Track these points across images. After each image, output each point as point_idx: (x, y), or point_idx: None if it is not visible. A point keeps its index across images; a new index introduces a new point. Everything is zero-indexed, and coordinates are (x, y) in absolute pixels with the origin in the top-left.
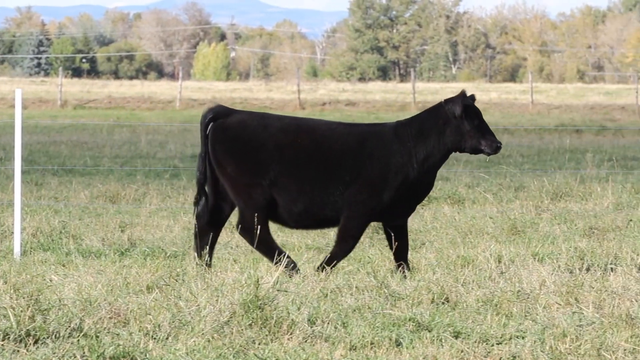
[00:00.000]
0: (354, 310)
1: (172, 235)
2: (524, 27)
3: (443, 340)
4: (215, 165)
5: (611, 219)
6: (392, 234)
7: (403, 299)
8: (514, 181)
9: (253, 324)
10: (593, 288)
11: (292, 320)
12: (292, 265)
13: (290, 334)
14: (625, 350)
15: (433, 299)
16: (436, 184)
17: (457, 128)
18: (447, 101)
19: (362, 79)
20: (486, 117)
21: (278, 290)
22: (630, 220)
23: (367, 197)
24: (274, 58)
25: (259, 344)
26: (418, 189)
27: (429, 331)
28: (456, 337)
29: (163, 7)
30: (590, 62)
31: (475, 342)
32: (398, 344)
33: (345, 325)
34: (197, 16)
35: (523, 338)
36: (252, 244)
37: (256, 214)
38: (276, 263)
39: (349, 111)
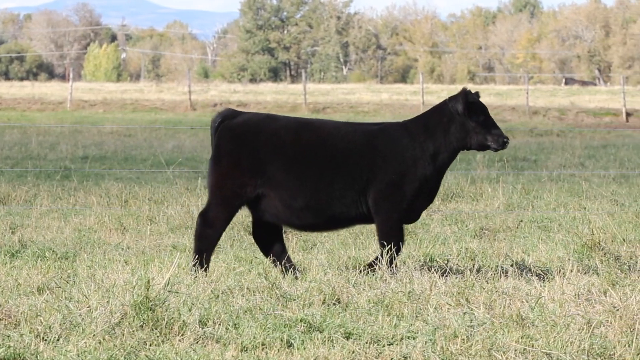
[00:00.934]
0: (245, 312)
1: (63, 237)
2: (415, 28)
3: (334, 341)
4: (214, 159)
5: (502, 219)
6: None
7: (294, 300)
8: None
9: (144, 325)
10: (484, 289)
11: (184, 321)
12: (196, 270)
13: (182, 335)
14: (516, 350)
15: (324, 299)
16: None
17: (462, 125)
18: (451, 99)
19: (253, 80)
20: (377, 118)
21: (169, 292)
22: (521, 220)
23: (391, 195)
24: (165, 59)
25: (150, 345)
26: (431, 185)
27: (321, 332)
28: (347, 338)
29: (53, 8)
30: (480, 63)
31: (367, 342)
32: (289, 344)
33: (237, 326)
34: (87, 17)
35: (414, 339)
36: (198, 235)
37: (224, 215)
38: (194, 265)
39: None
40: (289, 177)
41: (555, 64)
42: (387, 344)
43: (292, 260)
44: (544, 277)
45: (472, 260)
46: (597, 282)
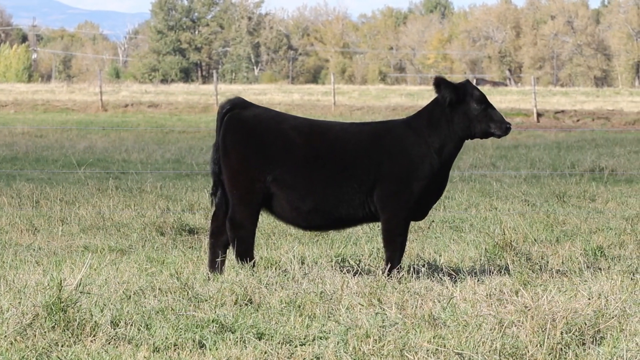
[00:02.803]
0: (157, 312)
1: None
2: (326, 29)
3: (246, 342)
4: (222, 154)
5: None
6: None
7: (206, 300)
8: None
9: (56, 326)
10: (396, 289)
11: (95, 322)
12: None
13: (94, 336)
14: (427, 350)
15: (236, 300)
16: None
17: (465, 114)
18: (444, 89)
19: (164, 80)
20: None
21: (81, 293)
22: (432, 221)
23: (398, 193)
24: (76, 60)
25: (62, 346)
26: (439, 181)
27: (233, 332)
28: (260, 339)
29: None
30: (392, 64)
31: (279, 343)
32: (202, 345)
33: (149, 327)
34: None
35: (326, 339)
36: (232, 240)
37: (248, 212)
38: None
39: (152, 113)
40: (297, 179)
41: (466, 64)
42: (300, 344)
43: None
44: (455, 278)
45: (384, 260)
46: (509, 282)
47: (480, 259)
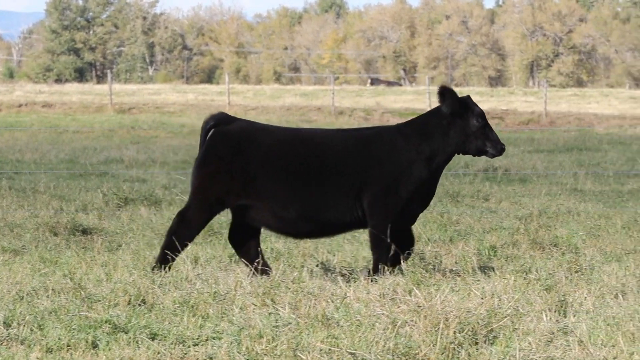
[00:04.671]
0: (50, 313)
1: None
2: (221, 29)
3: (140, 342)
4: (200, 164)
5: None
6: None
7: (99, 301)
8: None
9: None
10: (289, 289)
11: None
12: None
13: None
14: (321, 350)
15: (130, 300)
16: (132, 185)
17: (462, 129)
18: (447, 102)
19: (58, 80)
20: (183, 119)
21: None
22: None
23: (385, 199)
24: None
25: None
26: (425, 189)
27: (126, 333)
28: (153, 339)
29: None
30: (286, 64)
31: (172, 343)
32: (95, 346)
33: (42, 327)
34: None
35: (220, 339)
36: (172, 234)
37: (202, 219)
38: (158, 266)
39: (46, 113)
40: (281, 188)
41: (361, 64)
42: (193, 345)
43: (267, 264)
44: (349, 277)
45: (277, 260)
46: (402, 281)
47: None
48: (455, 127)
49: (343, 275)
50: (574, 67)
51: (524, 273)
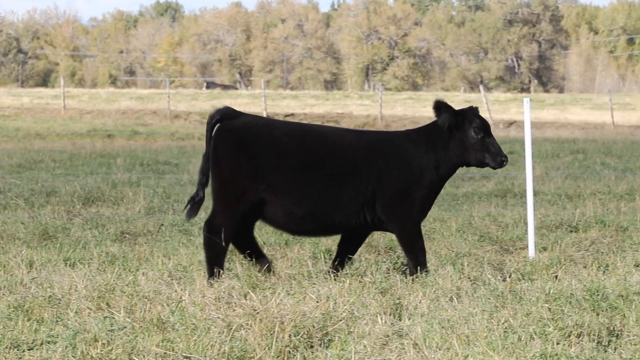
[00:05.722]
0: None
1: None
2: (56, 32)
3: None
4: (213, 164)
5: (143, 223)
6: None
7: None
8: (45, 186)
9: None
10: (125, 292)
11: None
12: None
13: None
14: (156, 354)
15: None
16: None
17: (461, 141)
18: (444, 115)
19: None
20: (18, 122)
21: None
22: (162, 224)
23: (403, 203)
24: None
25: None
26: (434, 195)
27: None
28: None
29: None
30: (122, 67)
31: (7, 348)
32: None
33: None
34: None
35: (54, 343)
36: (206, 245)
37: (230, 221)
38: (210, 283)
39: None
40: (292, 185)
41: (197, 67)
42: (27, 349)
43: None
44: (184, 281)
45: (112, 264)
46: (238, 285)
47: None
48: (454, 139)
49: (178, 279)
50: (409, 71)
51: (360, 276)
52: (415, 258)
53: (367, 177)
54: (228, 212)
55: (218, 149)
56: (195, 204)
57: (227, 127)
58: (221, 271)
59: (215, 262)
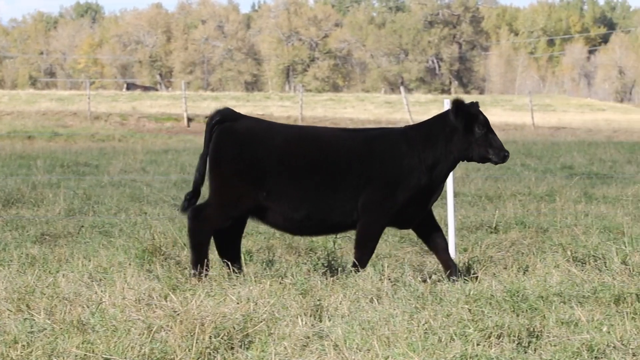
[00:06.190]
0: None
1: None
2: None
3: None
4: (213, 165)
5: (63, 225)
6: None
7: None
8: None
9: None
10: (45, 294)
11: None
12: (198, 275)
13: None
14: (76, 356)
15: None
16: None
17: (465, 136)
18: (453, 110)
19: None
20: None
21: None
22: (82, 226)
23: (381, 200)
24: None
25: None
26: (427, 194)
27: None
28: None
29: None
30: (42, 68)
31: None
32: None
33: None
34: None
35: None
36: (190, 233)
37: (222, 218)
38: (193, 268)
39: None
40: (292, 189)
41: (117, 69)
42: None
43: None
44: (105, 283)
45: (32, 265)
46: (158, 287)
47: (130, 264)
48: (458, 134)
49: (99, 280)
50: (330, 72)
51: (280, 278)
52: (362, 254)
53: (360, 173)
54: (221, 211)
55: (220, 151)
56: (190, 203)
57: (230, 130)
58: (206, 260)
59: (198, 250)
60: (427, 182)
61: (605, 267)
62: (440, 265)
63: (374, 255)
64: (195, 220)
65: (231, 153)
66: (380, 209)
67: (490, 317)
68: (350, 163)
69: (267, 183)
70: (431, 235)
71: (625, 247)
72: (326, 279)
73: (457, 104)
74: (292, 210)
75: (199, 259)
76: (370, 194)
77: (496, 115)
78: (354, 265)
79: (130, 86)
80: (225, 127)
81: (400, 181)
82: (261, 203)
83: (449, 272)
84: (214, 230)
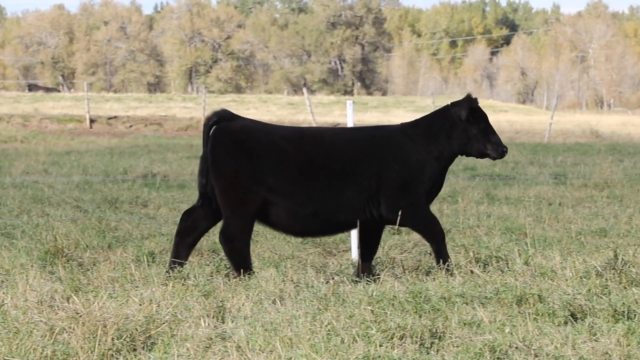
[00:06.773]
0: None
1: None
2: None
3: None
4: (212, 168)
5: None
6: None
7: None
8: None
9: None
10: None
11: None
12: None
13: None
14: None
15: None
16: None
17: (464, 131)
18: (454, 104)
19: None
20: None
21: None
22: None
23: (408, 194)
24: None
25: None
26: (433, 187)
27: None
28: None
29: None
30: None
31: None
32: None
33: None
34: None
35: None
36: (228, 253)
37: (242, 224)
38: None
39: None
40: (294, 187)
41: (19, 70)
42: None
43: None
44: (6, 284)
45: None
46: (60, 288)
47: (32, 266)
48: (457, 129)
49: (1, 282)
50: (233, 73)
51: (183, 279)
52: (436, 242)
53: (367, 172)
54: (237, 215)
55: (217, 151)
56: (196, 207)
57: (224, 130)
58: (253, 272)
59: (243, 267)
60: (436, 171)
61: (508, 268)
62: (343, 266)
63: (276, 256)
64: (226, 245)
65: (228, 151)
66: (412, 201)
67: (393, 318)
68: (356, 162)
69: (267, 181)
70: (371, 243)
71: (528, 248)
72: (229, 280)
73: (471, 100)
74: (297, 207)
75: (247, 270)
76: (395, 197)
77: (399, 116)
78: (437, 260)
79: (32, 87)
80: (221, 126)
81: (414, 177)
82: (265, 200)
83: (359, 273)
84: (246, 242)
